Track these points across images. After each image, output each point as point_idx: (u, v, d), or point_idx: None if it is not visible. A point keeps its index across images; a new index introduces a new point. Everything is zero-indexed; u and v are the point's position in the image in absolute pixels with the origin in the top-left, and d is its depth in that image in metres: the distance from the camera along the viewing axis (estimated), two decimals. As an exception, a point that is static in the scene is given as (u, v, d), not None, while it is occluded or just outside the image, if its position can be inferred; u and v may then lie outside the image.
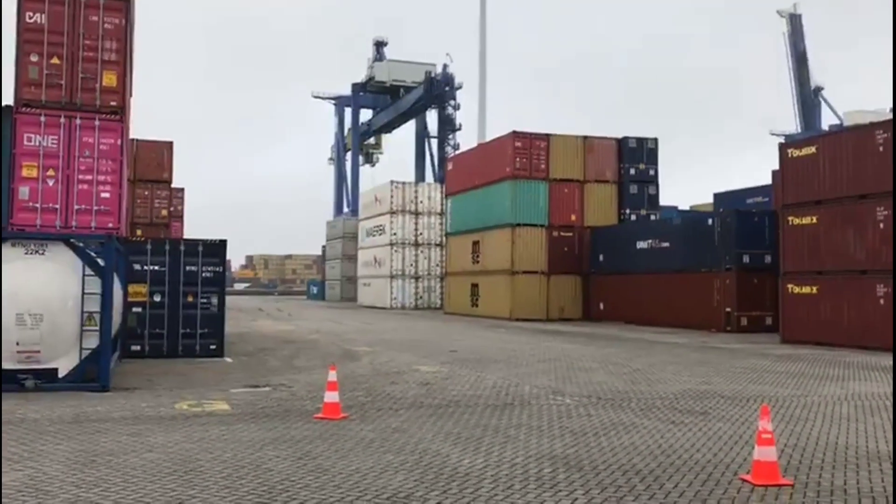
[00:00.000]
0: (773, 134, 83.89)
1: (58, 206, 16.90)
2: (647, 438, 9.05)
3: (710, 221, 31.16)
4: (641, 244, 34.61)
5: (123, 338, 17.20)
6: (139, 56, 18.49)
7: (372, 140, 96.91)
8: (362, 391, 12.69)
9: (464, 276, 44.49)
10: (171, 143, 36.84)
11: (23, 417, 9.93)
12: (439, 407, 11.18)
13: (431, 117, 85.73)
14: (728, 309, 29.12)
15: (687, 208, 54.20)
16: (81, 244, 12.85)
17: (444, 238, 51.43)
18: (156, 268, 17.94)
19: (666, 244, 33.10)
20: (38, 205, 16.73)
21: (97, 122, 17.44)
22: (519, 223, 38.67)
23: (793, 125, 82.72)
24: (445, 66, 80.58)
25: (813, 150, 23.51)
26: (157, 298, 17.90)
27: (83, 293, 12.37)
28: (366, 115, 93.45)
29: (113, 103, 17.37)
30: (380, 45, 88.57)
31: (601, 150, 40.04)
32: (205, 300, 18.18)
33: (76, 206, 17.01)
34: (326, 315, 43.73)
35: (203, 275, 18.23)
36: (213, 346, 18.17)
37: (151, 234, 31.26)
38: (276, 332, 28.32)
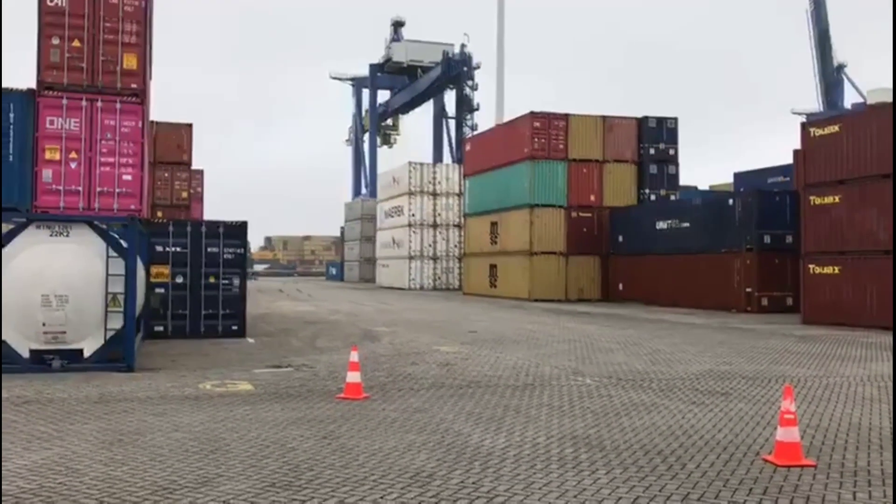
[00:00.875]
0: (794, 113, 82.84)
1: (80, 189, 17.12)
2: (669, 419, 9.06)
3: (730, 202, 30.96)
4: (661, 224, 34.45)
5: (146, 318, 17.40)
6: (157, 37, 18.54)
7: (389, 121, 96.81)
8: (383, 371, 12.77)
9: (482, 256, 44.51)
10: (190, 125, 36.97)
11: (51, 397, 10.09)
12: (460, 387, 11.24)
13: (449, 98, 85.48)
14: (748, 289, 28.98)
15: (707, 188, 53.80)
16: (105, 226, 12.96)
17: (462, 219, 51.43)
18: (177, 249, 18.10)
19: (686, 224, 32.93)
20: (60, 187, 16.95)
21: (118, 105, 17.58)
22: (537, 204, 38.59)
23: (815, 104, 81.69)
24: (463, 46, 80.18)
25: (836, 128, 23.24)
26: (180, 280, 18.07)
27: (107, 274, 12.50)
28: (383, 96, 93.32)
29: (133, 86, 17.50)
30: (397, 25, 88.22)
31: (620, 129, 39.78)
32: (226, 281, 18.34)
33: (98, 189, 17.21)
34: (346, 296, 43.93)
35: (224, 256, 18.38)
36: (234, 327, 18.35)
37: (172, 215, 31.47)
38: (297, 312, 28.51)
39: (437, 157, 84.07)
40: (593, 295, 38.22)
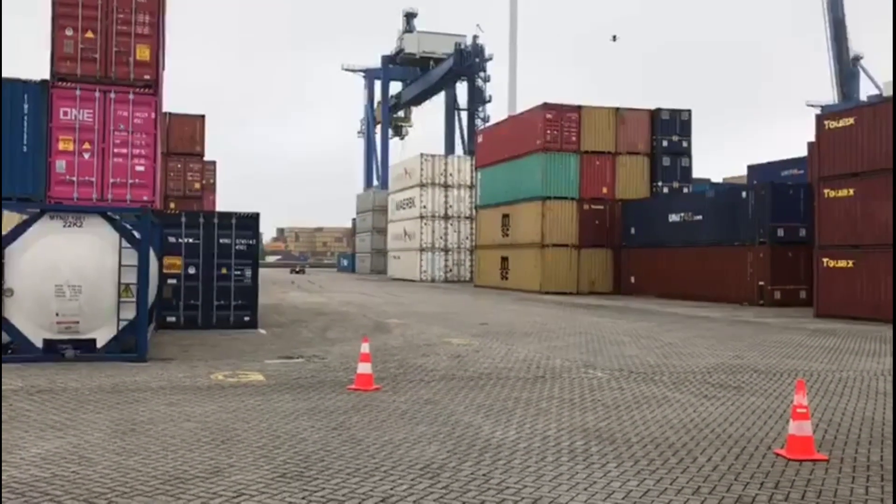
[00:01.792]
0: (809, 105, 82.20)
1: (94, 180, 17.21)
2: (680, 412, 9.03)
3: (744, 194, 30.79)
4: (674, 217, 34.30)
5: (159, 309, 17.48)
6: (170, 28, 18.57)
7: (401, 113, 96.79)
8: (394, 363, 12.79)
9: (493, 249, 44.47)
10: (203, 117, 37.13)
11: (64, 387, 10.16)
12: (471, 379, 11.24)
13: (461, 89, 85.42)
14: (761, 282, 28.84)
15: (720, 181, 53.56)
16: (118, 217, 13.03)
17: (473, 211, 51.38)
18: (190, 240, 18.16)
19: (699, 217, 32.78)
20: (74, 178, 17.04)
21: (131, 96, 17.63)
22: (549, 196, 38.50)
23: (830, 96, 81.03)
24: (475, 38, 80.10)
25: (851, 121, 23.04)
26: (192, 271, 18.14)
27: (120, 265, 12.56)
28: (395, 87, 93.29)
29: (146, 77, 17.54)
30: (410, 16, 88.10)
31: (633, 121, 39.61)
32: (238, 272, 18.40)
33: (112, 180, 17.29)
34: (357, 287, 44.01)
35: (236, 247, 18.43)
36: (246, 318, 18.41)
37: (184, 206, 31.61)
38: (308, 304, 28.58)
39: (449, 148, 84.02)
40: (605, 288, 38.12)
